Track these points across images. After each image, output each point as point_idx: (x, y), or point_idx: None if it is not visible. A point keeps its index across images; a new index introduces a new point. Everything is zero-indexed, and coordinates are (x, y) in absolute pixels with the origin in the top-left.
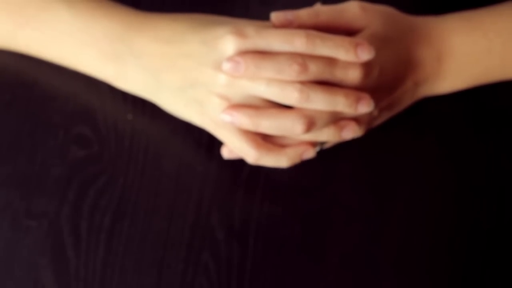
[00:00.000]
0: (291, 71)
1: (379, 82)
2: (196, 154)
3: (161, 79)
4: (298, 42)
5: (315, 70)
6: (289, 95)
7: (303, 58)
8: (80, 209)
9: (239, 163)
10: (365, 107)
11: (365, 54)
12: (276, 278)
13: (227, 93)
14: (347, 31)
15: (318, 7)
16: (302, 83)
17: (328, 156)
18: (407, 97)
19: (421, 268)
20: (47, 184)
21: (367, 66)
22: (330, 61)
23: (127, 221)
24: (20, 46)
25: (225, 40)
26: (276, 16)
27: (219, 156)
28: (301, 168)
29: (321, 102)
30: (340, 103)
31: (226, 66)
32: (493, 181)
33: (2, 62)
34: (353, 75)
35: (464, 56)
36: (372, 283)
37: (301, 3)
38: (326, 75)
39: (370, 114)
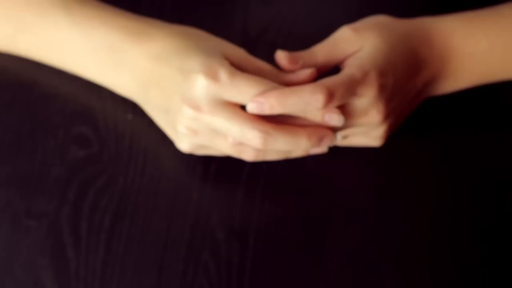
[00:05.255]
0: (317, 102)
1: (394, 89)
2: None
3: (148, 94)
4: (270, 96)
5: (339, 97)
6: (251, 139)
7: (326, 89)
8: (80, 209)
9: (239, 163)
10: (328, 143)
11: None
12: (276, 278)
13: (194, 125)
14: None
15: (315, 47)
16: (266, 126)
17: (328, 156)
18: (417, 99)
19: (421, 268)
20: (47, 184)
21: (381, 77)
22: (350, 86)
23: (127, 221)
24: (20, 50)
25: (196, 77)
26: (280, 57)
27: (219, 156)
28: (301, 168)
29: (282, 144)
30: (303, 144)
31: (251, 106)
32: (493, 181)
33: (2, 62)
34: (372, 92)
35: (465, 57)
36: (372, 283)
37: (301, 4)
38: (348, 99)
39: (389, 125)
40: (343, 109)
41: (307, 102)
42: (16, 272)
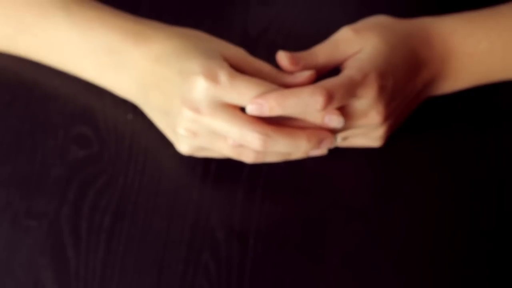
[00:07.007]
0: (317, 104)
1: (393, 90)
2: None
3: (147, 96)
4: (269, 98)
5: (338, 99)
6: (251, 141)
7: (326, 90)
8: (80, 209)
9: (239, 163)
10: (327, 145)
11: (334, 122)
12: (276, 278)
13: (193, 128)
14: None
15: (315, 48)
16: (266, 129)
17: (328, 156)
18: (417, 99)
19: (421, 268)
20: (47, 184)
21: (381, 79)
22: (350, 87)
23: (127, 221)
24: (19, 51)
25: (196, 80)
26: (281, 57)
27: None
28: (301, 168)
29: (282, 146)
30: (302, 146)
31: (250, 108)
32: (493, 181)
33: (2, 62)
34: (371, 94)
35: (465, 57)
36: (372, 283)
37: (301, 3)
38: (347, 100)
39: (389, 126)
40: (343, 110)
41: (307, 104)
42: (16, 272)
